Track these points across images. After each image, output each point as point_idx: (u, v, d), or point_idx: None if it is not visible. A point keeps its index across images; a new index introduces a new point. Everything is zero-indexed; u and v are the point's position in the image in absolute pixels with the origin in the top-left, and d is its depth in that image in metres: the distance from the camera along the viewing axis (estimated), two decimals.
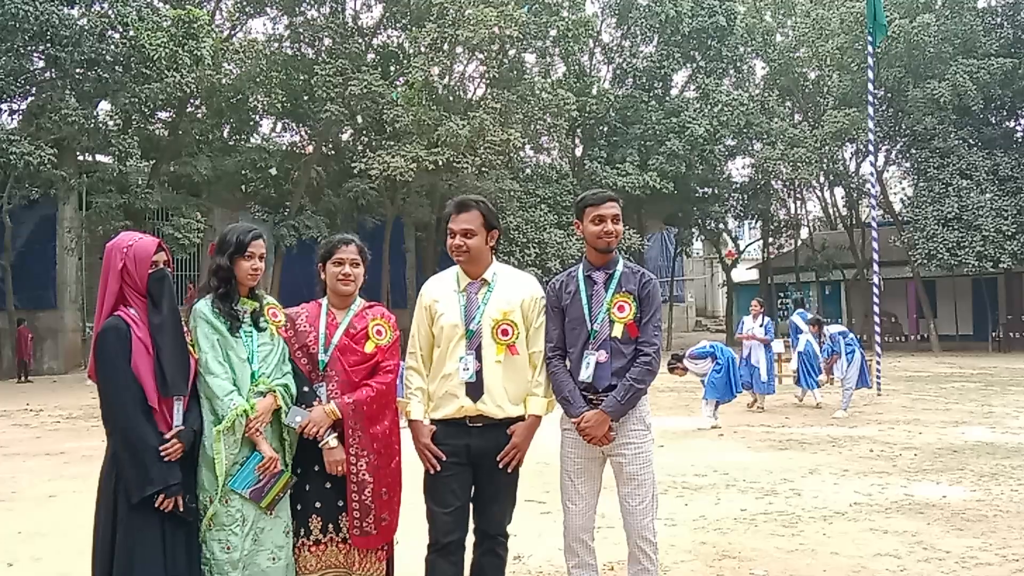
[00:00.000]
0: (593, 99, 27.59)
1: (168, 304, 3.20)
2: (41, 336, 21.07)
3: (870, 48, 15.22)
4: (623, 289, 3.70)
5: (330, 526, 3.46)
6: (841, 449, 8.85)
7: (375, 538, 3.46)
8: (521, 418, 3.63)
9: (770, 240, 34.34)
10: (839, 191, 32.96)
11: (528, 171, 28.03)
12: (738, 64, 30.18)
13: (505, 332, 3.59)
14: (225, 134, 23.33)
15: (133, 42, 17.43)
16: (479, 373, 3.54)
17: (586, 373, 3.64)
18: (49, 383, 19.09)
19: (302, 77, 22.66)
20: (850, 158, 30.95)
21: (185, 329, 3.27)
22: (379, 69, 23.27)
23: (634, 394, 3.57)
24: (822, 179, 31.68)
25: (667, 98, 29.47)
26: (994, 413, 11.63)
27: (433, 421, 3.60)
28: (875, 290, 14.98)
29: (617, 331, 3.64)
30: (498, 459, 3.55)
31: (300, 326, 3.61)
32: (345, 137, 25.47)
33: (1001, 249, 24.12)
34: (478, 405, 3.55)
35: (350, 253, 3.64)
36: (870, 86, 15.28)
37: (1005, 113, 28.36)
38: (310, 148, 24.33)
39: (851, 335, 12.45)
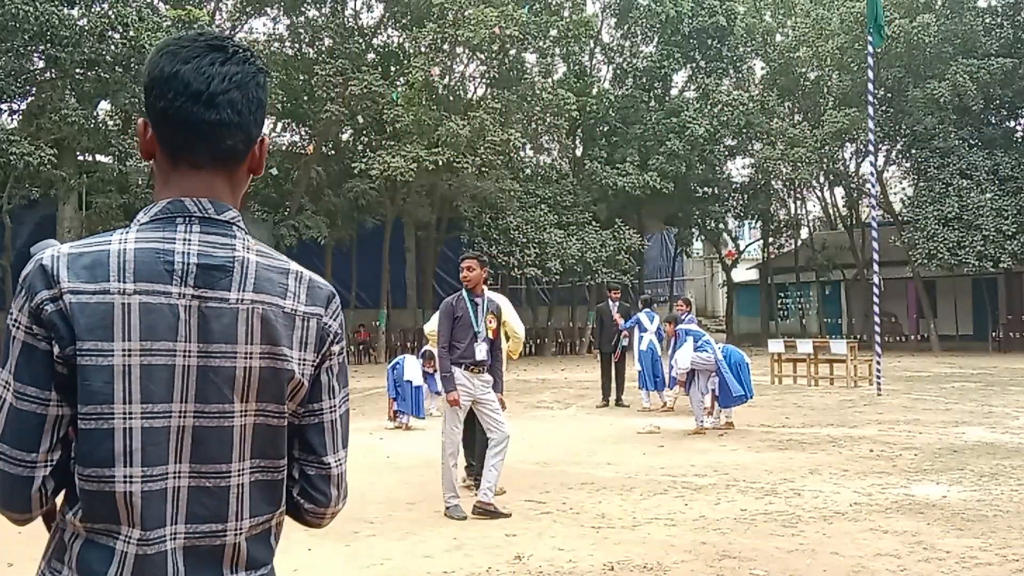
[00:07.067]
0: (593, 99, 27.60)
1: None
2: None
3: (870, 48, 15.19)
4: (489, 311, 6.43)
5: None
6: (841, 449, 8.85)
7: None
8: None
9: (770, 240, 34.34)
10: (839, 191, 32.97)
11: (528, 171, 28.04)
12: (738, 64, 30.19)
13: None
14: None
15: (133, 42, 17.43)
16: None
17: (480, 355, 6.28)
18: None
19: (302, 77, 22.67)
20: (850, 158, 30.96)
21: None
22: (379, 69, 23.28)
23: (501, 374, 6.62)
24: (822, 179, 31.67)
25: (667, 98, 29.47)
26: (994, 413, 11.63)
27: None
28: (875, 290, 14.97)
29: (489, 334, 6.39)
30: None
31: None
32: (345, 137, 25.48)
33: (1001, 249, 24.11)
34: None
35: None
36: (870, 86, 15.26)
37: (1005, 113, 28.34)
38: (310, 148, 24.34)
39: (705, 339, 10.46)
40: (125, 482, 1.22)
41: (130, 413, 1.22)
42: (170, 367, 1.24)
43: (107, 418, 1.22)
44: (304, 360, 1.33)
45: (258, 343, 1.29)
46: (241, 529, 1.29)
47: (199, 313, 1.26)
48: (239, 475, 1.28)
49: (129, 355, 1.22)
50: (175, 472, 1.25)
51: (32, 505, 1.26)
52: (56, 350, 1.22)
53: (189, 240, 1.28)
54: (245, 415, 1.29)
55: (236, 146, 1.34)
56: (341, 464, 1.41)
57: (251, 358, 1.28)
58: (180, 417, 1.25)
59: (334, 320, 1.38)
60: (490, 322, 6.37)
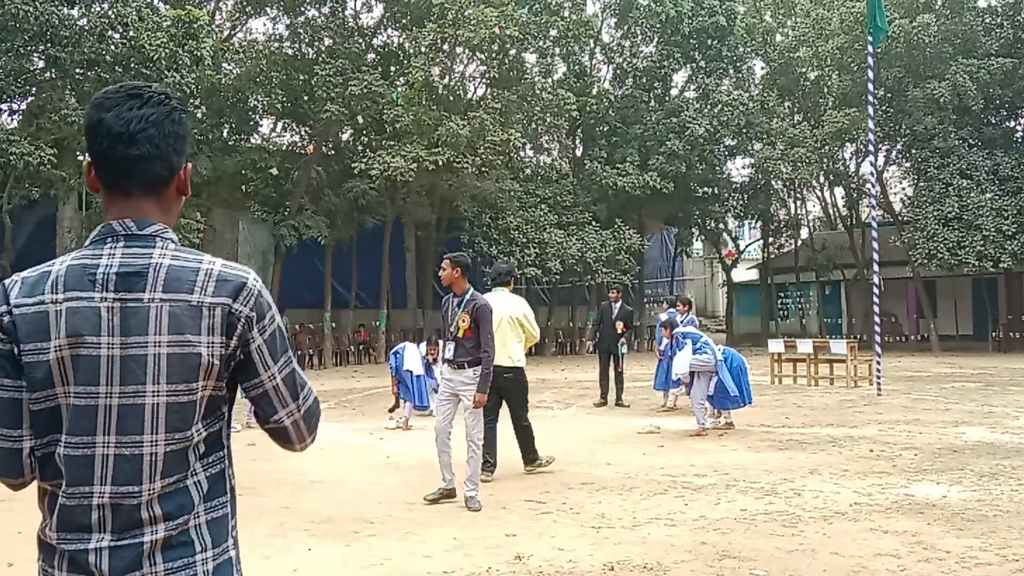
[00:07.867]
0: (593, 99, 27.59)
1: None
2: None
3: (870, 48, 15.19)
4: (464, 310, 6.49)
5: None
6: (841, 449, 8.85)
7: None
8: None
9: (770, 240, 34.34)
10: (839, 191, 32.96)
11: (528, 171, 28.02)
12: (738, 64, 30.19)
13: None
14: (225, 134, 23.30)
15: (133, 42, 17.42)
16: None
17: (447, 353, 6.65)
18: None
19: (302, 77, 22.64)
20: (850, 158, 30.95)
21: None
22: (379, 69, 23.26)
23: (484, 375, 6.41)
24: (822, 179, 31.67)
25: (667, 98, 29.47)
26: (994, 413, 11.63)
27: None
28: (875, 290, 14.96)
29: (460, 333, 6.50)
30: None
31: None
32: (345, 137, 25.46)
33: (1001, 249, 24.11)
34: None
35: None
36: (870, 86, 15.26)
37: (1005, 113, 28.34)
38: (310, 148, 24.31)
39: (704, 341, 10.38)
40: (62, 446, 1.54)
41: (67, 393, 1.53)
42: (96, 357, 1.53)
43: (52, 398, 1.55)
44: (212, 343, 1.57)
45: (165, 333, 1.55)
46: (154, 490, 1.55)
47: (121, 312, 1.54)
48: (152, 445, 1.55)
49: (60, 349, 1.53)
50: (103, 442, 1.54)
51: (24, 471, 1.60)
52: (16, 350, 1.55)
53: (113, 255, 1.57)
54: (156, 395, 1.55)
55: (159, 174, 1.63)
56: (293, 415, 1.69)
57: (159, 346, 1.55)
58: (107, 397, 1.54)
59: (244, 305, 1.60)
60: (462, 321, 6.48)
